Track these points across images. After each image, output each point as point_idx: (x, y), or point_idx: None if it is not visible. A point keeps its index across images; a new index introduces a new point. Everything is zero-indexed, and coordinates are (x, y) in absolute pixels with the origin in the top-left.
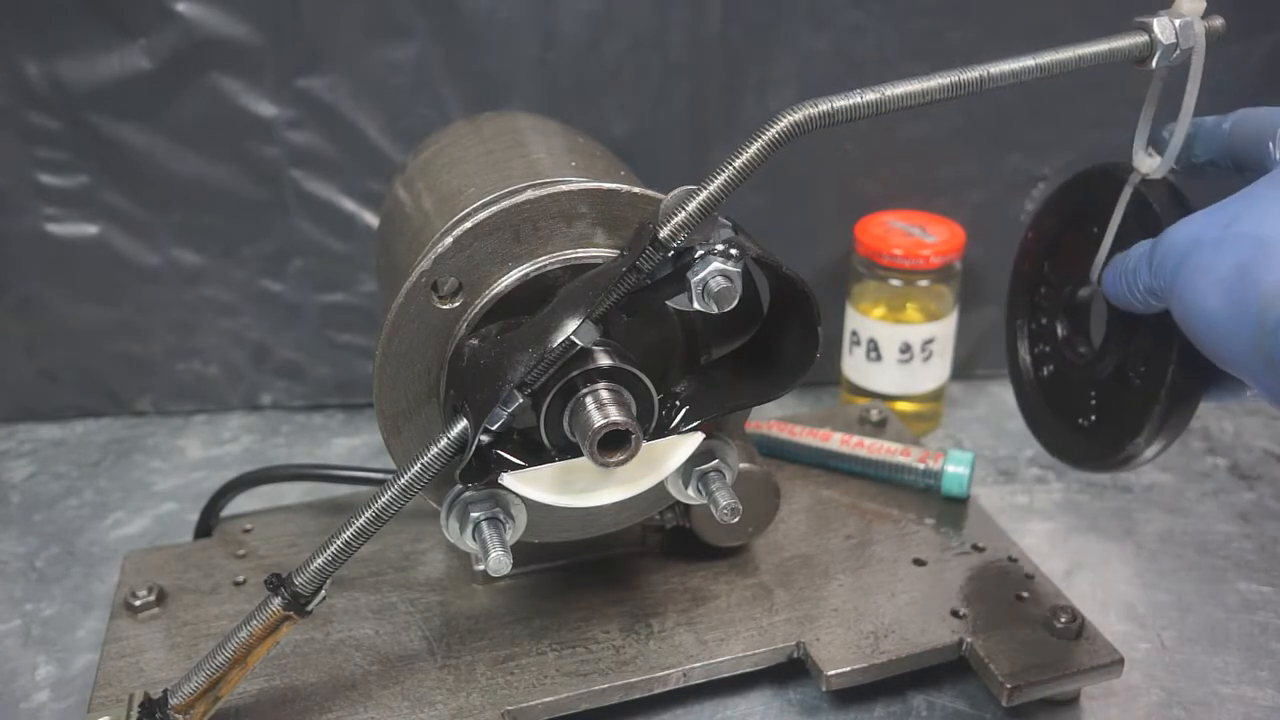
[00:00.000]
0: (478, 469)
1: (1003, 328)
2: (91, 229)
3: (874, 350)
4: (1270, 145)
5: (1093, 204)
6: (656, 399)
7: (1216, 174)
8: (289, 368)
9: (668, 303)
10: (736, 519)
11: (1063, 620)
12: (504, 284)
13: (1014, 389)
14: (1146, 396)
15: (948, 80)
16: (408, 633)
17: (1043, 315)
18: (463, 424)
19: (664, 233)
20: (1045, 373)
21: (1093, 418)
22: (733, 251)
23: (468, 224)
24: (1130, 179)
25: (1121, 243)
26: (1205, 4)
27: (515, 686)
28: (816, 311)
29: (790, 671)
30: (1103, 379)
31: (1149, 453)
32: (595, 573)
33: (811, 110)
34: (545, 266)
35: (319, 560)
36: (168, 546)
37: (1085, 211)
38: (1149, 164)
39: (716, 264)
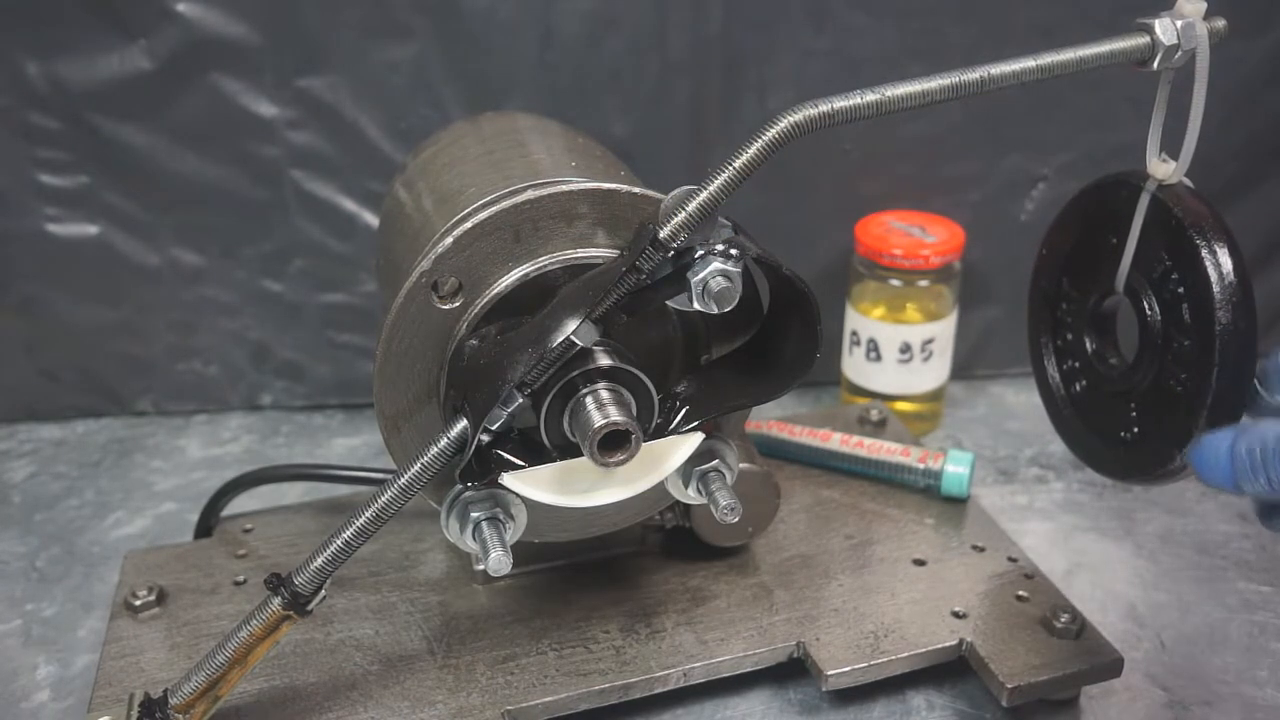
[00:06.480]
0: (478, 469)
1: (1003, 328)
2: (92, 229)
3: (874, 350)
4: None
5: (1108, 214)
6: (656, 399)
7: None
8: (289, 368)
9: (668, 303)
10: (736, 519)
11: (1063, 620)
12: (504, 284)
13: (1046, 408)
14: (1190, 404)
15: (948, 81)
16: (408, 633)
17: (1067, 331)
18: (463, 424)
19: (664, 233)
20: (1078, 389)
21: (1135, 430)
22: (733, 251)
23: (468, 224)
24: (1147, 186)
25: (1143, 249)
26: (1206, 5)
27: (515, 686)
28: (816, 311)
29: (790, 671)
30: (1141, 390)
31: None
32: (595, 573)
33: (811, 110)
34: (545, 266)
35: (319, 560)
36: (168, 546)
37: (1100, 222)
38: (1164, 170)
39: (716, 264)
